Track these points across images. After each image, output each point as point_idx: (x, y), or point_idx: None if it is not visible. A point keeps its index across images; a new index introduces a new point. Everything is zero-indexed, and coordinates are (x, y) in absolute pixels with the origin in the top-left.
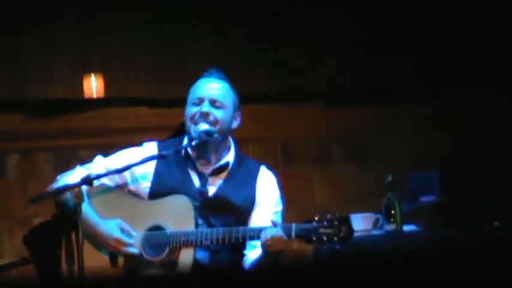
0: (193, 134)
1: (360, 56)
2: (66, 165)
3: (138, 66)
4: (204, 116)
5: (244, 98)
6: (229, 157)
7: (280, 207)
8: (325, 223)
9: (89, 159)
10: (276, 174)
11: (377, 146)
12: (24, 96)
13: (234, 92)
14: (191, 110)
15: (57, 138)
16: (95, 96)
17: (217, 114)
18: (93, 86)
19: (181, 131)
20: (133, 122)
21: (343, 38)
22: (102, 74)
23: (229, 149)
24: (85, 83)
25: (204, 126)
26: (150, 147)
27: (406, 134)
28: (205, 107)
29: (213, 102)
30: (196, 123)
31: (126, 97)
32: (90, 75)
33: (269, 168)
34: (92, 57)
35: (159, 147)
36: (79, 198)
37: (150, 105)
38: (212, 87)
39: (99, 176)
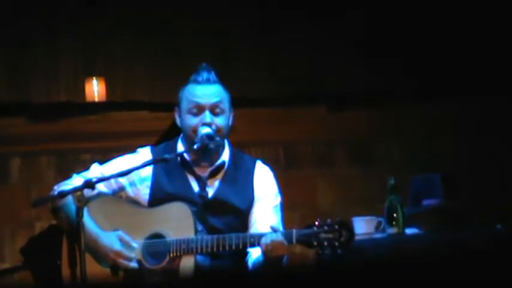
0: (196, 143)
1: (362, 58)
2: (69, 169)
3: (140, 71)
4: (207, 126)
5: (246, 101)
6: (225, 156)
7: (279, 200)
8: (326, 228)
9: (91, 162)
10: (272, 168)
11: (380, 149)
12: (27, 99)
13: (227, 90)
14: (191, 121)
15: (60, 141)
16: (96, 100)
17: (219, 121)
18: (95, 89)
19: (172, 134)
20: (135, 126)
21: (345, 40)
22: (104, 78)
23: (223, 147)
24: (87, 87)
25: (205, 130)
26: (145, 153)
27: (409, 137)
28: (208, 118)
29: (213, 110)
30: (198, 133)
31: (128, 101)
32: (92, 79)
33: (265, 163)
34: (94, 61)
35: (153, 152)
36: (81, 202)
37: (152, 109)
38: (209, 94)
39: (100, 180)
